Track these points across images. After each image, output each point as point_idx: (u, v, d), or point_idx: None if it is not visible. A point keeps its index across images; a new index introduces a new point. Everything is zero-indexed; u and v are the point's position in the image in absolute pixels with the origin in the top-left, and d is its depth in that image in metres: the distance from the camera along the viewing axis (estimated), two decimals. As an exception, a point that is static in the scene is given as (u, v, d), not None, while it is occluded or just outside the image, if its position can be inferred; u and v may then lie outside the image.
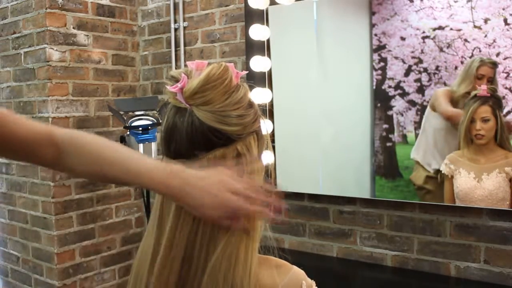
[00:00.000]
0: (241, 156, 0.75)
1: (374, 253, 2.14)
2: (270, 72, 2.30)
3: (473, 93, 1.80)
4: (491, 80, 1.79)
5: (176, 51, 2.74)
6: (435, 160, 1.93)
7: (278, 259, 0.75)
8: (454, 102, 1.87)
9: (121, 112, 2.44)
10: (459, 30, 1.83)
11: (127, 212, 2.91)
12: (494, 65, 1.78)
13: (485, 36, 1.78)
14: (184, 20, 2.71)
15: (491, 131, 1.79)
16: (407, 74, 1.97)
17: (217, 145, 0.73)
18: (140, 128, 2.37)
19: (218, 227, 0.72)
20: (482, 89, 1.78)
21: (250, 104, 0.78)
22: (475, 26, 1.80)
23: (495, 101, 1.77)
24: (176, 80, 0.75)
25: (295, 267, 0.74)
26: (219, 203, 0.70)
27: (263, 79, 2.27)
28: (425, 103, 1.94)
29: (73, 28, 2.60)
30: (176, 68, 2.74)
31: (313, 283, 0.75)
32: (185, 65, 0.78)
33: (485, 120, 1.79)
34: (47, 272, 2.59)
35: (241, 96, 0.75)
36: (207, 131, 0.73)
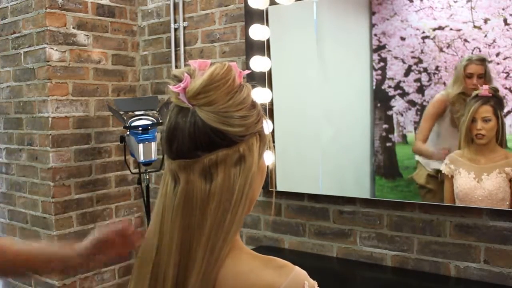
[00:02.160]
0: (243, 156, 0.75)
1: (374, 253, 2.15)
2: (270, 72, 2.30)
3: (474, 92, 1.80)
4: (482, 77, 1.79)
5: (176, 51, 2.74)
6: (436, 161, 1.93)
7: (281, 260, 0.75)
8: (450, 104, 1.88)
9: (121, 112, 2.44)
10: (459, 30, 1.83)
11: (127, 212, 2.91)
12: (483, 61, 1.79)
13: (485, 36, 1.78)
14: (184, 20, 2.71)
15: (492, 131, 1.79)
16: (407, 74, 1.97)
17: (220, 146, 0.73)
18: (140, 128, 2.37)
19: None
20: (484, 89, 1.78)
21: (253, 105, 0.78)
22: (475, 26, 1.80)
23: (496, 101, 1.77)
24: (178, 79, 0.75)
25: (297, 268, 0.74)
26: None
27: (263, 79, 2.27)
28: (425, 103, 1.94)
29: (73, 28, 2.60)
30: (176, 68, 2.74)
31: (315, 283, 0.75)
32: (186, 65, 0.78)
33: (486, 120, 1.79)
34: (47, 272, 2.59)
35: (244, 96, 0.75)
36: (209, 132, 0.73)
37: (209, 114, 0.72)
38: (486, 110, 1.79)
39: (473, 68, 1.81)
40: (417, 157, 1.97)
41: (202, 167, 0.74)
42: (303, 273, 0.74)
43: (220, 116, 0.73)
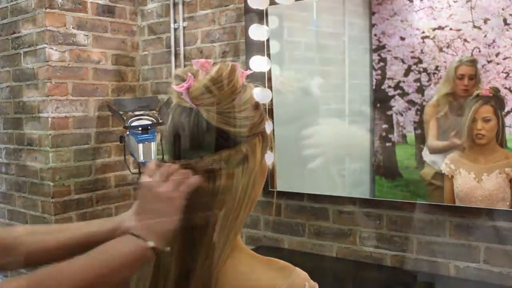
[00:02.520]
0: (246, 157, 0.75)
1: (373, 253, 2.15)
2: (269, 72, 2.30)
3: (475, 92, 1.81)
4: (473, 78, 1.81)
5: (176, 51, 2.74)
6: (441, 160, 1.93)
7: (281, 261, 0.75)
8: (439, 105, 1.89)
9: (121, 112, 2.44)
10: (459, 30, 1.83)
11: (127, 212, 2.90)
12: (473, 62, 1.80)
13: (485, 36, 1.78)
14: (184, 20, 2.71)
15: (492, 131, 1.79)
16: (406, 74, 1.97)
17: (223, 146, 0.73)
18: (140, 128, 2.37)
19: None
20: (485, 88, 1.78)
21: (256, 105, 0.78)
22: (474, 26, 1.80)
23: (497, 101, 1.77)
24: (181, 79, 0.75)
25: (297, 269, 0.74)
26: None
27: (263, 79, 2.27)
28: (424, 103, 1.94)
29: (73, 28, 2.60)
30: (176, 68, 2.74)
31: (315, 285, 0.75)
32: (187, 64, 0.78)
33: (486, 120, 1.79)
34: (46, 272, 2.59)
35: (247, 97, 0.75)
36: (213, 132, 0.73)
37: (212, 115, 0.72)
38: (487, 110, 1.79)
39: (464, 69, 1.82)
40: (425, 157, 1.97)
41: (205, 168, 0.74)
42: (304, 274, 0.74)
43: (223, 117, 0.72)
